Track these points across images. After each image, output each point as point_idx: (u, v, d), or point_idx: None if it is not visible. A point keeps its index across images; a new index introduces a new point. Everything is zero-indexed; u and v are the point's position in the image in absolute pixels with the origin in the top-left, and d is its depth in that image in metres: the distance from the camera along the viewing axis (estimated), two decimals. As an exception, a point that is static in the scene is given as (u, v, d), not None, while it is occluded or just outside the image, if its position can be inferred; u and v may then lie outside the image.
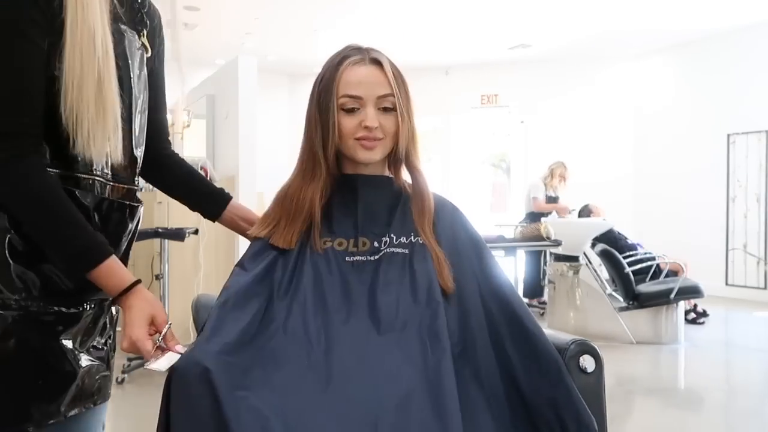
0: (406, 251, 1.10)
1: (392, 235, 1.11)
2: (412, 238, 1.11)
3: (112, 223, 1.03)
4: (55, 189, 0.92)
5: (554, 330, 1.18)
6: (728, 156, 6.93)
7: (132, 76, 1.03)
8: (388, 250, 1.10)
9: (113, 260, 0.96)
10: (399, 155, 1.14)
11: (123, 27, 1.02)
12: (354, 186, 1.14)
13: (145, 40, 1.09)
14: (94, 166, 0.99)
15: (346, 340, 1.00)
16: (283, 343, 0.99)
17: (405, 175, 1.19)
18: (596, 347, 1.12)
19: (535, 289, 5.87)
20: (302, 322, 1.01)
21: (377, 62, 1.10)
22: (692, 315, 5.15)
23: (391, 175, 1.18)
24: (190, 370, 0.90)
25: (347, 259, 1.09)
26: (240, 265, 1.11)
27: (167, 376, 0.92)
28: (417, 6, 6.23)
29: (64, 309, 0.97)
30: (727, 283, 6.88)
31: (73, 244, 0.92)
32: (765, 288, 6.52)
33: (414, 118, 1.13)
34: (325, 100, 1.09)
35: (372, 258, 1.09)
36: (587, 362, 1.11)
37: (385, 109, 1.10)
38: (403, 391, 0.94)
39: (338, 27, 6.77)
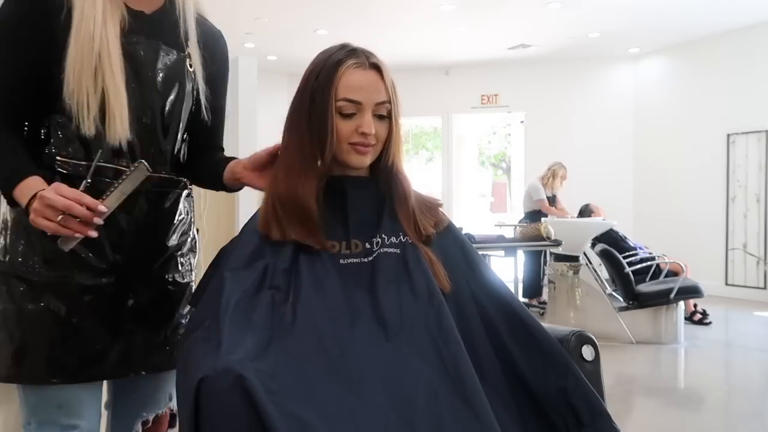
0: (398, 251, 1.10)
1: (383, 236, 1.10)
2: (402, 237, 1.11)
3: (139, 208, 1.15)
4: None
5: (552, 324, 1.23)
6: (728, 156, 6.92)
7: (151, 76, 1.15)
8: (381, 250, 1.09)
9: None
10: (386, 160, 1.13)
11: (137, 38, 1.13)
12: (342, 188, 1.12)
13: (187, 56, 1.22)
14: (115, 156, 1.11)
15: (358, 344, 0.98)
16: (298, 348, 0.96)
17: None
18: (593, 337, 1.22)
19: (535, 289, 5.87)
20: (310, 327, 0.98)
21: (377, 67, 1.10)
22: (698, 316, 5.14)
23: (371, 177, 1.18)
24: (223, 379, 0.85)
25: (341, 261, 1.08)
26: (231, 267, 1.06)
27: (195, 386, 0.87)
28: (417, 6, 6.23)
29: None
30: (726, 283, 6.87)
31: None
32: (765, 288, 6.52)
33: (401, 124, 1.14)
34: (322, 101, 1.07)
35: (366, 260, 1.08)
36: (587, 352, 1.19)
37: (380, 117, 1.10)
38: (429, 390, 0.94)
39: (338, 27, 6.76)
